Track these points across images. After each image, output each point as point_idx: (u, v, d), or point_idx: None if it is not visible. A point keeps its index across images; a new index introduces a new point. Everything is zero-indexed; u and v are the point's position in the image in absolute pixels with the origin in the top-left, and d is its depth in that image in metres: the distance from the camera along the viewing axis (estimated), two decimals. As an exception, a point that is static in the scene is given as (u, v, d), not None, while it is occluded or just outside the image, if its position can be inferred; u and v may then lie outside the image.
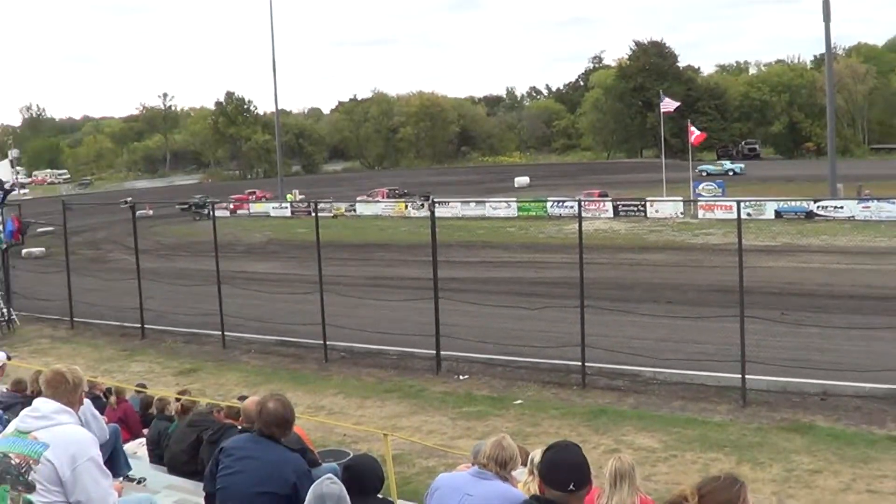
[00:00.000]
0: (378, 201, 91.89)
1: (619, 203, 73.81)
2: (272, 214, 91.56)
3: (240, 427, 11.40)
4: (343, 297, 33.20)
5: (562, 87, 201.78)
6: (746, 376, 22.58)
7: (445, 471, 17.04)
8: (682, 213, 68.08)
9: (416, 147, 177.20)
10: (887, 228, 55.14)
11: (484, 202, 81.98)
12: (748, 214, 55.90)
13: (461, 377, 26.36)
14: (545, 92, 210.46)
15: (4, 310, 37.18)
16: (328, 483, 6.45)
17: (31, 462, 6.31)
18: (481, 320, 30.84)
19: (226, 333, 32.26)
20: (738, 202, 31.41)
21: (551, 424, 21.62)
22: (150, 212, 77.73)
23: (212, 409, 13.72)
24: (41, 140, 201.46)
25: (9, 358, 17.04)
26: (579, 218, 29.15)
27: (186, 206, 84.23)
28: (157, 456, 14.21)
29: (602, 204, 73.00)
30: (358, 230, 70.37)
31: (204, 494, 8.10)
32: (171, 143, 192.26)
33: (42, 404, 6.66)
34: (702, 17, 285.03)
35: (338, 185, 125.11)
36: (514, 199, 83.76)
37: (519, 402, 23.69)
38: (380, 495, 7.69)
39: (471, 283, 38.75)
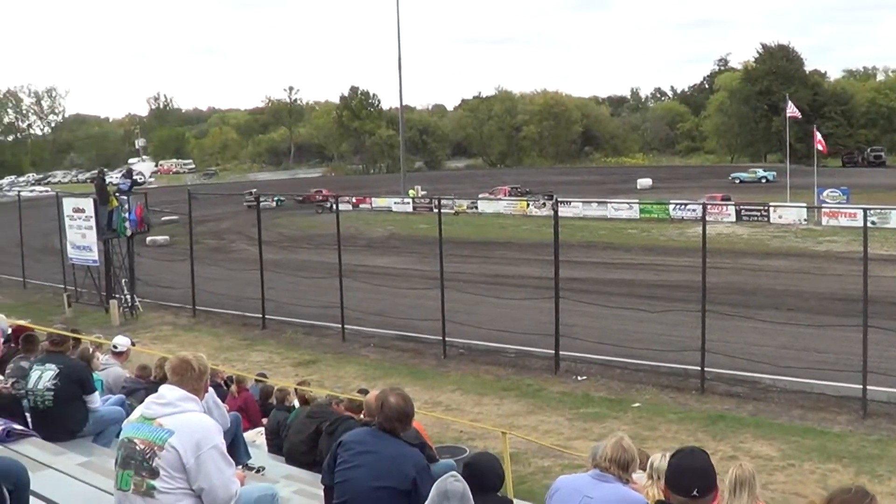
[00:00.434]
0: (500, 199, 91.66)
1: (741, 207, 72.83)
2: (394, 209, 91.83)
3: (360, 420, 11.45)
4: (463, 294, 33.24)
5: (686, 89, 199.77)
6: (868, 387, 22.20)
7: (561, 471, 17.05)
8: (805, 220, 66.97)
9: (539, 146, 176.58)
10: None
11: (606, 203, 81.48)
12: (873, 223, 54.87)
13: (579, 378, 26.26)
14: (670, 93, 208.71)
15: (128, 296, 37.83)
16: (452, 480, 6.41)
17: (155, 448, 6.37)
18: (601, 321, 30.70)
19: (346, 326, 32.51)
20: (864, 210, 30.69)
21: (668, 429, 21.48)
22: (274, 203, 78.47)
23: (331, 401, 13.77)
24: (167, 130, 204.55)
25: (133, 344, 17.28)
26: (703, 222, 28.66)
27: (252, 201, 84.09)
28: (275, 446, 14.33)
29: (724, 208, 72.12)
30: (479, 227, 70.28)
31: (322, 487, 8.12)
32: (295, 136, 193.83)
33: (168, 391, 6.72)
34: (830, 20, 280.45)
35: (460, 182, 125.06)
36: (637, 200, 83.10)
37: (637, 405, 23.55)
38: (498, 494, 7.65)
39: (591, 284, 38.58)
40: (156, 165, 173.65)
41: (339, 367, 28.68)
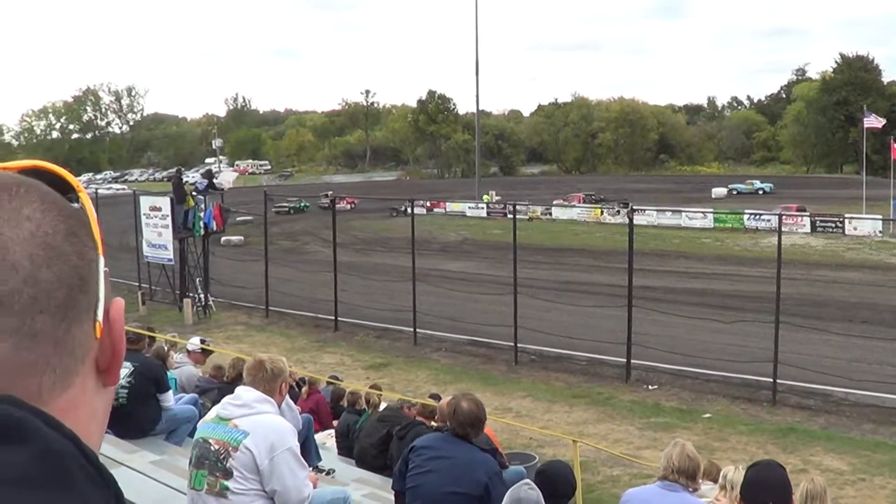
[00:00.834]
0: (574, 206, 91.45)
1: (816, 218, 72.24)
2: (468, 214, 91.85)
3: (433, 425, 11.49)
4: (535, 300, 33.18)
5: (763, 99, 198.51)
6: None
7: (630, 480, 17.01)
8: (881, 232, 66.23)
9: (615, 153, 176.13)
10: None
11: (680, 212, 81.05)
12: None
13: (650, 387, 26.19)
14: (746, 103, 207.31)
15: (202, 295, 38.14)
16: (526, 488, 6.43)
17: (230, 449, 6.43)
18: (673, 330, 30.52)
19: (417, 330, 32.60)
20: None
21: (739, 440, 21.38)
22: (349, 206, 78.77)
23: (402, 405, 13.82)
24: (244, 131, 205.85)
25: (203, 342, 17.41)
26: (779, 233, 28.47)
27: (286, 210, 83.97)
28: (345, 448, 14.40)
29: (799, 219, 71.51)
30: (553, 234, 70.14)
31: (393, 492, 8.16)
32: (371, 139, 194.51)
33: (244, 392, 6.78)
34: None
35: (534, 187, 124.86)
36: (711, 209, 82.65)
37: (707, 415, 23.45)
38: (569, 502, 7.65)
39: (663, 293, 38.35)
40: (232, 166, 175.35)
41: (410, 371, 28.76)
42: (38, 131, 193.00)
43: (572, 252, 58.60)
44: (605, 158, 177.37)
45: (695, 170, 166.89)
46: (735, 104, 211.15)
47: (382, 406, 15.74)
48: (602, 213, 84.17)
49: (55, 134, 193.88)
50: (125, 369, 11.40)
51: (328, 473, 12.01)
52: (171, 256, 38.16)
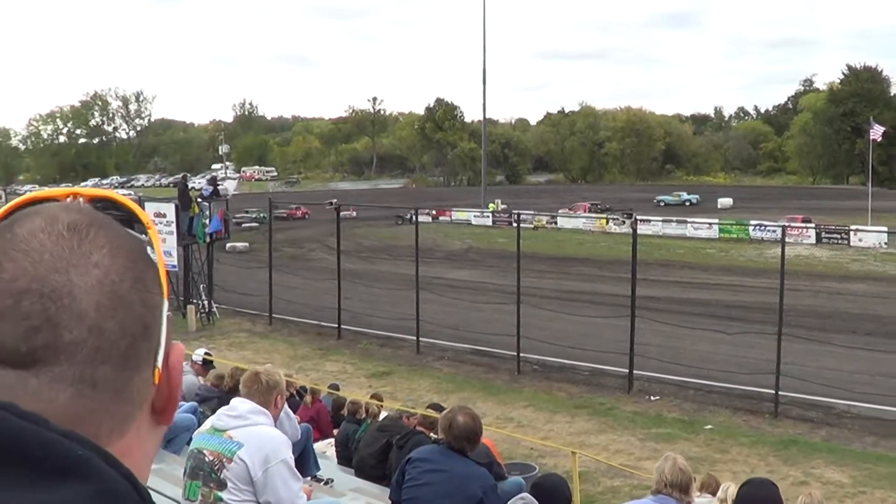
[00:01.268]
0: (578, 216, 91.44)
1: (821, 229, 72.25)
2: (473, 222, 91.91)
3: (433, 437, 11.50)
4: (538, 310, 33.21)
5: (770, 109, 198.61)
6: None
7: (631, 492, 17.03)
8: (886, 244, 66.20)
9: (621, 162, 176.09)
10: None
11: (685, 222, 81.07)
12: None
13: (652, 398, 26.19)
14: (753, 113, 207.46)
15: (206, 302, 38.16)
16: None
17: (224, 460, 6.43)
18: (676, 341, 30.54)
19: (420, 339, 32.60)
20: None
21: (740, 452, 21.39)
22: (354, 213, 78.78)
23: (401, 415, 13.84)
24: (251, 137, 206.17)
25: (207, 354, 17.44)
26: (782, 245, 28.45)
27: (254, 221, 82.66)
28: (344, 458, 14.40)
29: (804, 230, 71.51)
30: (557, 243, 70.08)
31: (390, 502, 8.18)
32: (377, 146, 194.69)
33: (239, 404, 6.79)
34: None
35: (540, 196, 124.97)
36: (716, 220, 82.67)
37: (709, 426, 23.46)
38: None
39: (667, 303, 38.36)
40: (238, 172, 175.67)
41: (413, 379, 28.78)
42: (46, 136, 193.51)
43: (577, 261, 58.64)
44: (611, 168, 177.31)
45: (701, 180, 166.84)
46: (742, 114, 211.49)
47: (382, 416, 15.77)
48: (607, 222, 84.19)
49: (62, 138, 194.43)
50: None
51: (327, 483, 12.02)
52: (175, 263, 38.15)
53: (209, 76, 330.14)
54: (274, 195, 68.14)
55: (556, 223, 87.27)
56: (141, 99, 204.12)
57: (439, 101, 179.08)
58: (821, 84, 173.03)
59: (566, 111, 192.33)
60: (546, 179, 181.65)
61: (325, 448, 15.12)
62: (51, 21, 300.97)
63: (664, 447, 21.35)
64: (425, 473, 7.60)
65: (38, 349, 1.10)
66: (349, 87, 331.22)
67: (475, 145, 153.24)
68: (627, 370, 27.15)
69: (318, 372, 28.96)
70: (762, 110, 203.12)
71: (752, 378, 25.81)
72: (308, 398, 16.85)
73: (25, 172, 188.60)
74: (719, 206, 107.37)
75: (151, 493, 1.12)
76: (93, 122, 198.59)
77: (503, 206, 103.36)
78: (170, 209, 37.86)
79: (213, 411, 7.78)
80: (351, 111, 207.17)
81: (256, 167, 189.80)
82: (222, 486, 6.39)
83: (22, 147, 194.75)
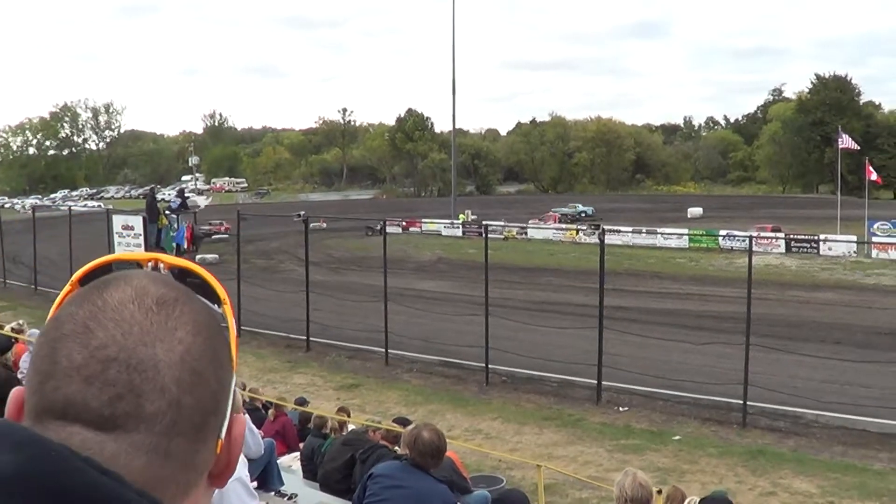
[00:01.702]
0: (548, 228, 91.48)
1: (791, 238, 72.59)
2: (443, 233, 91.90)
3: (397, 450, 11.47)
4: (508, 321, 33.15)
5: (740, 119, 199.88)
6: (911, 424, 22.10)
7: (599, 503, 17.00)
8: (855, 252, 66.59)
9: (591, 172, 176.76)
10: None
11: (655, 232, 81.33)
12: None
13: (621, 409, 26.20)
14: (723, 122, 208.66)
15: (175, 315, 38.01)
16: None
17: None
18: (645, 351, 30.52)
19: (389, 351, 32.55)
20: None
21: (709, 463, 21.40)
22: (324, 224, 78.67)
23: (367, 429, 13.79)
24: (221, 148, 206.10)
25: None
26: (749, 255, 28.53)
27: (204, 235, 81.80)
28: (310, 472, 14.34)
29: (774, 239, 71.83)
30: (528, 254, 70.14)
31: (353, 517, 8.15)
32: (348, 157, 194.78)
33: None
34: (886, 52, 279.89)
35: (510, 207, 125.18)
36: (686, 229, 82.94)
37: (677, 437, 23.47)
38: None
39: (637, 313, 38.39)
40: (208, 184, 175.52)
41: (381, 392, 28.70)
42: (15, 147, 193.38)
43: (547, 272, 58.61)
44: (581, 178, 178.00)
45: (671, 189, 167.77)
46: (712, 124, 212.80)
47: (350, 429, 15.71)
48: (577, 233, 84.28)
49: (32, 150, 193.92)
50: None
51: (290, 498, 11.96)
52: (143, 275, 37.98)
53: (179, 87, 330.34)
54: (243, 207, 67.85)
55: (526, 234, 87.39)
56: (111, 110, 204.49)
57: (410, 112, 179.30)
58: (790, 93, 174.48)
59: (537, 121, 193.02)
60: (517, 190, 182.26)
61: (292, 462, 15.07)
62: (19, 33, 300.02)
63: (633, 458, 21.39)
64: (386, 489, 7.58)
65: (120, 416, 1.17)
66: (319, 98, 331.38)
67: (445, 156, 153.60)
68: (596, 381, 27.14)
69: (287, 384, 28.83)
70: (732, 120, 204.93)
71: (722, 388, 25.81)
72: (272, 412, 16.78)
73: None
74: (689, 216, 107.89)
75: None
76: (62, 134, 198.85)
77: (473, 217, 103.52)
78: (137, 221, 37.86)
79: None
80: (321, 122, 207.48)
81: (227, 178, 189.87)
82: (178, 505, 6.32)
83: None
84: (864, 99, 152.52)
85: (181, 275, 1.38)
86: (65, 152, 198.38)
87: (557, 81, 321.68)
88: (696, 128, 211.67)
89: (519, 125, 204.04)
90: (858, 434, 23.20)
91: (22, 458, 1.06)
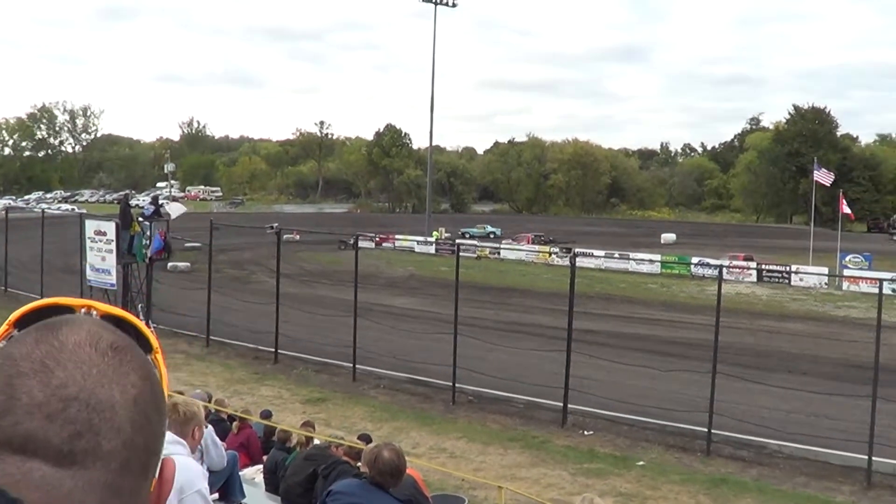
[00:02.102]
0: (521, 249, 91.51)
1: (763, 268, 72.89)
2: (417, 250, 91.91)
3: (358, 466, 11.49)
4: (477, 341, 33.17)
5: (717, 146, 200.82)
6: (874, 458, 22.16)
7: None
8: (826, 284, 66.89)
9: (566, 194, 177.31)
10: None
11: (627, 257, 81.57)
12: (893, 290, 54.49)
13: (586, 432, 26.23)
14: (699, 149, 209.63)
15: (143, 322, 37.86)
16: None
17: (138, 489, 6.41)
18: (613, 375, 30.64)
19: (357, 366, 32.47)
20: (881, 280, 31.27)
21: (671, 489, 21.46)
22: (297, 237, 78.52)
23: (329, 444, 13.80)
24: (198, 156, 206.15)
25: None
26: (719, 284, 28.65)
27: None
28: (272, 485, 14.35)
29: (746, 268, 72.09)
30: (500, 273, 70.26)
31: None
32: (324, 170, 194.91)
33: (156, 433, 6.78)
34: (865, 85, 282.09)
35: (484, 225, 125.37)
36: (658, 255, 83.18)
37: (641, 463, 23.52)
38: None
39: (606, 337, 38.53)
40: (183, 191, 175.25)
41: (348, 407, 28.65)
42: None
43: (518, 293, 58.67)
44: (556, 199, 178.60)
45: (645, 214, 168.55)
46: (688, 151, 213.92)
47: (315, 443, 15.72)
48: (550, 254, 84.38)
49: (7, 151, 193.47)
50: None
51: (251, 511, 11.97)
52: (114, 282, 37.89)
53: (157, 93, 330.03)
54: (217, 216, 67.82)
55: (499, 253, 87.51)
56: (88, 114, 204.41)
57: (388, 127, 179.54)
58: (768, 123, 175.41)
59: (514, 141, 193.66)
60: (491, 209, 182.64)
61: (255, 475, 15.07)
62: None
63: (595, 482, 21.47)
64: (344, 508, 7.60)
65: (79, 453, 1.24)
66: (297, 109, 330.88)
67: (421, 172, 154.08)
68: (562, 404, 27.17)
69: (254, 396, 28.80)
70: (709, 147, 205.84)
71: (687, 415, 25.84)
72: (236, 424, 16.77)
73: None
74: (662, 242, 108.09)
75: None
76: (39, 135, 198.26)
77: (447, 235, 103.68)
78: (110, 227, 37.62)
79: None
80: (298, 134, 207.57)
81: (202, 187, 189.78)
82: (137, 515, 6.35)
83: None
84: (841, 131, 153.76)
85: (116, 323, 1.43)
86: (40, 154, 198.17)
87: (536, 102, 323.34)
88: (672, 154, 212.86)
89: (496, 145, 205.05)
90: (821, 466, 23.29)
91: None
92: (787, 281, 69.63)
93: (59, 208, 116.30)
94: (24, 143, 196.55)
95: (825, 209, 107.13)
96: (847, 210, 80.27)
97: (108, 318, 1.44)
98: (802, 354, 38.00)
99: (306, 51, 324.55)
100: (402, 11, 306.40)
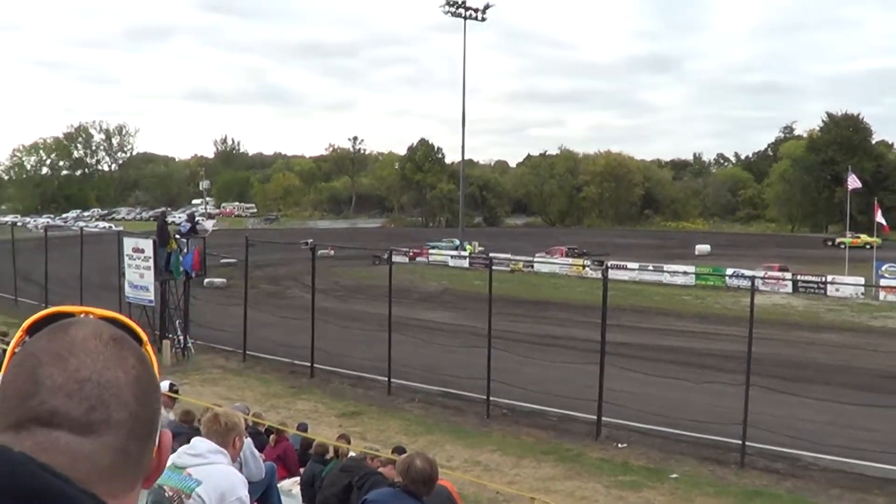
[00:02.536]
0: (554, 262, 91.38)
1: (798, 279, 72.50)
2: (450, 264, 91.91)
3: (392, 479, 11.70)
4: (511, 354, 33.26)
5: (750, 155, 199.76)
6: (911, 469, 22.13)
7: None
8: (862, 294, 66.46)
9: (599, 207, 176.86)
10: None
11: (662, 269, 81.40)
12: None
13: (620, 445, 26.24)
14: (733, 159, 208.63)
15: (181, 337, 38.20)
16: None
17: (182, 496, 6.67)
18: (647, 388, 30.59)
19: (392, 380, 32.61)
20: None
21: (705, 502, 21.50)
22: (331, 252, 78.72)
23: (365, 456, 14.01)
24: (232, 173, 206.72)
25: (171, 386, 17.54)
26: (752, 294, 28.66)
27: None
28: (309, 497, 14.54)
29: (781, 279, 71.73)
30: (533, 287, 70.01)
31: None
32: (357, 185, 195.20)
33: (199, 443, 7.06)
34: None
35: (517, 239, 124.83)
36: (693, 266, 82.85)
37: (675, 475, 23.51)
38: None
39: (640, 350, 38.50)
40: (218, 208, 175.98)
41: (383, 420, 28.78)
42: (29, 167, 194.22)
43: (552, 305, 58.57)
44: (589, 212, 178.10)
45: (679, 225, 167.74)
46: (722, 160, 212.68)
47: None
48: (584, 267, 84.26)
49: (45, 170, 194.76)
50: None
51: (289, 521, 12.18)
52: (152, 298, 38.22)
53: (191, 111, 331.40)
54: (251, 232, 68.11)
55: (532, 267, 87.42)
56: (124, 132, 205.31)
57: (421, 142, 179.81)
58: (801, 131, 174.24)
59: (546, 154, 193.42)
60: (524, 222, 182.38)
61: (292, 486, 15.28)
62: (35, 52, 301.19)
63: (629, 495, 21.56)
64: (379, 516, 7.81)
65: (95, 423, 1.58)
66: (330, 125, 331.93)
67: (454, 186, 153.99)
68: (596, 417, 27.25)
69: (290, 410, 28.95)
70: (742, 157, 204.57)
71: (722, 428, 25.73)
72: (273, 437, 17.00)
73: (7, 202, 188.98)
74: (696, 253, 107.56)
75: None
76: (76, 154, 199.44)
77: (480, 249, 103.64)
78: (148, 244, 37.98)
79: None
80: (331, 150, 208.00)
81: (236, 203, 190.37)
82: (181, 521, 6.62)
83: (5, 177, 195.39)
84: (876, 138, 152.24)
85: (112, 323, 1.77)
86: (77, 173, 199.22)
87: (568, 114, 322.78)
88: (705, 164, 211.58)
89: (528, 157, 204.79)
90: (856, 478, 23.18)
91: None
92: (822, 291, 69.22)
93: (96, 226, 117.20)
94: (61, 163, 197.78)
95: (860, 217, 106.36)
96: (881, 220, 79.75)
97: (104, 319, 1.76)
98: (838, 366, 37.80)
99: (339, 67, 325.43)
100: (433, 26, 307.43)
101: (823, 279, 70.80)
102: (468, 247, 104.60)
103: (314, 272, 38.31)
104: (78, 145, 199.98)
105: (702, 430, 26.44)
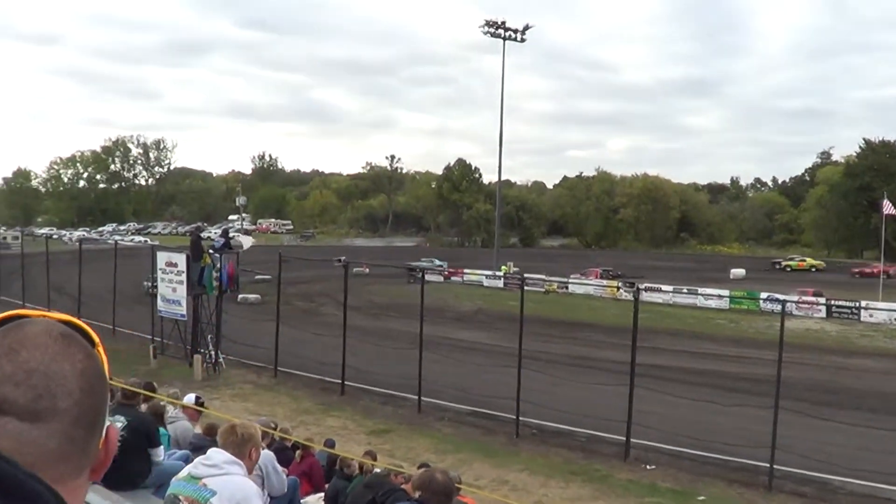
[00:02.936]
0: (589, 283, 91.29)
1: (832, 304, 72.28)
2: (485, 284, 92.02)
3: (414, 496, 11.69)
4: (543, 374, 33.23)
5: (787, 180, 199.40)
6: (942, 496, 22.00)
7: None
8: (896, 320, 66.21)
9: (635, 229, 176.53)
10: None
11: (696, 292, 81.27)
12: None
13: (648, 466, 26.21)
14: (770, 184, 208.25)
15: (213, 352, 38.34)
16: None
17: (198, 506, 6.71)
18: (677, 410, 30.57)
19: (422, 398, 32.70)
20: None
21: (731, 525, 21.40)
22: (366, 270, 78.88)
23: (389, 472, 14.00)
24: (269, 189, 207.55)
25: (198, 399, 17.57)
26: (782, 319, 28.64)
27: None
28: (333, 513, 14.56)
29: (815, 303, 71.50)
30: (568, 308, 70.13)
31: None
32: (394, 204, 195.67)
33: (215, 454, 7.10)
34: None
35: (552, 260, 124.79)
36: (727, 290, 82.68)
37: (702, 498, 23.47)
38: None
39: (672, 372, 38.45)
40: (254, 224, 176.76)
41: (412, 438, 28.84)
42: (66, 179, 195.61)
43: (585, 327, 58.62)
44: (625, 234, 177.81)
45: (715, 249, 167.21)
46: (759, 185, 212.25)
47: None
48: (618, 289, 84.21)
49: (82, 183, 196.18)
50: (119, 423, 11.70)
51: (312, 537, 12.20)
52: (185, 312, 38.43)
53: (230, 127, 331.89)
54: (287, 249, 68.41)
55: (567, 288, 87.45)
56: (161, 147, 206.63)
57: (459, 161, 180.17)
58: (838, 156, 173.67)
59: (583, 176, 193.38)
60: (560, 244, 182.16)
61: (316, 502, 15.30)
62: (74, 64, 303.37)
63: (656, 516, 21.50)
64: (398, 530, 7.85)
65: (41, 410, 1.67)
66: (368, 143, 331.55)
67: (490, 207, 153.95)
68: (625, 438, 27.20)
69: (320, 427, 29.04)
70: (779, 181, 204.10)
71: (751, 451, 25.70)
72: (299, 453, 17.02)
73: (44, 215, 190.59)
74: (732, 277, 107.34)
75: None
76: (113, 168, 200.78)
77: (516, 269, 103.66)
78: (181, 259, 38.23)
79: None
80: (369, 168, 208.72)
81: (273, 220, 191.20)
82: (196, 530, 6.64)
83: (42, 189, 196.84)
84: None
85: (66, 324, 1.85)
86: (114, 186, 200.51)
87: (605, 136, 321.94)
88: (742, 188, 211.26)
89: (565, 179, 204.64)
90: (884, 502, 23.14)
91: None
92: (856, 317, 69.06)
93: (132, 240, 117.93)
94: (98, 176, 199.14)
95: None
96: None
97: (59, 320, 1.85)
98: (871, 391, 37.72)
99: (377, 85, 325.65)
100: (472, 45, 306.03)
101: (857, 304, 70.68)
102: (503, 267, 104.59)
103: (346, 289, 38.43)
104: (115, 159, 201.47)
105: (730, 452, 26.44)
